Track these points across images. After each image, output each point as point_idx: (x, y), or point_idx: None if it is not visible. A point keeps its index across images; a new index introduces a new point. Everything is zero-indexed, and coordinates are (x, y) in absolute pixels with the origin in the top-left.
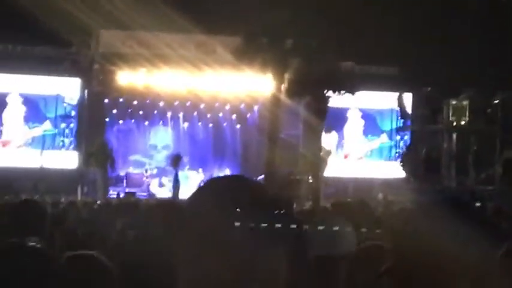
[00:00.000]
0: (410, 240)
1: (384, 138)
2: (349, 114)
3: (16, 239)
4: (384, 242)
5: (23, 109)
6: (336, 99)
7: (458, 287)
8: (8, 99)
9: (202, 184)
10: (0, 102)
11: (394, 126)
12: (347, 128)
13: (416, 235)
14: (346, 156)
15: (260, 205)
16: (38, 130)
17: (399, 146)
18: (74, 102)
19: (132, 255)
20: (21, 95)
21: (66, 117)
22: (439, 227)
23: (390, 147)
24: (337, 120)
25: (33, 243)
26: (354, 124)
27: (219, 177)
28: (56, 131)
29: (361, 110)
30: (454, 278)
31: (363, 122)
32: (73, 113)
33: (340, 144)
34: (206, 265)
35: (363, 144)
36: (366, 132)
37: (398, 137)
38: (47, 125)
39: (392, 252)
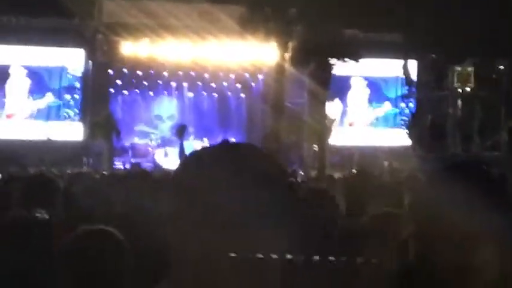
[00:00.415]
0: (425, 209)
1: (388, 105)
2: (353, 82)
3: (23, 211)
4: (394, 209)
5: (26, 81)
6: (340, 67)
7: (476, 250)
8: (10, 71)
9: (190, 155)
10: (2, 74)
11: (399, 93)
12: (351, 95)
13: (429, 203)
14: (351, 124)
15: (249, 175)
16: (43, 102)
17: (404, 113)
18: (78, 73)
19: (134, 226)
20: (24, 66)
21: (70, 88)
22: (450, 194)
23: (395, 115)
24: (341, 88)
25: (39, 214)
26: (359, 92)
27: (207, 147)
28: (61, 102)
29: (366, 78)
30: (471, 242)
31: (368, 89)
32: (77, 84)
33: (344, 112)
34: (201, 235)
35: (368, 112)
36: (371, 100)
37: (403, 104)
38: (51, 97)
39: (409, 220)
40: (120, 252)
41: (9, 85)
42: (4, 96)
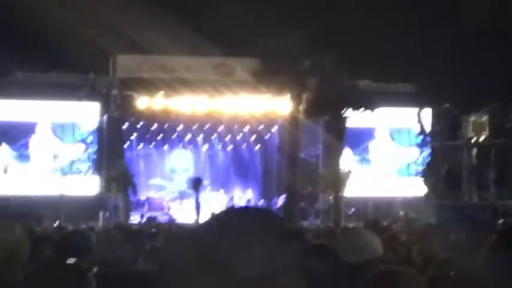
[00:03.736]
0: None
1: (404, 155)
2: (370, 133)
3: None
4: (405, 263)
5: (50, 137)
6: (357, 118)
7: None
8: (36, 128)
9: (217, 215)
10: (28, 130)
11: (413, 142)
12: (368, 146)
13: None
14: (371, 175)
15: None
16: (64, 158)
17: (419, 162)
18: (91, 127)
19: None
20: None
21: (83, 142)
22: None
23: (409, 164)
24: (357, 139)
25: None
26: (376, 143)
27: (233, 209)
28: (75, 156)
29: (381, 128)
30: None
31: (385, 140)
32: (90, 139)
33: (360, 163)
34: None
35: (388, 163)
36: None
37: (418, 154)
38: (70, 153)
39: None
40: None
41: (33, 141)
42: (27, 148)
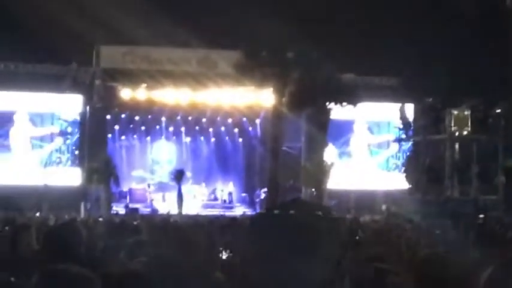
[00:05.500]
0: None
1: (386, 149)
2: (352, 126)
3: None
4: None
5: (29, 127)
6: (339, 111)
7: None
8: (15, 117)
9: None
10: (6, 120)
11: (396, 136)
12: (349, 139)
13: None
14: (352, 168)
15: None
16: (47, 148)
17: (400, 156)
18: (70, 118)
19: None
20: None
21: (62, 133)
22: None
23: (392, 158)
24: (339, 132)
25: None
26: (358, 136)
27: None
28: (53, 147)
29: (363, 121)
30: None
31: (367, 133)
32: (69, 129)
33: (342, 156)
34: None
35: (366, 156)
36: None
37: (399, 147)
38: (53, 144)
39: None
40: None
41: (14, 130)
42: (7, 137)
